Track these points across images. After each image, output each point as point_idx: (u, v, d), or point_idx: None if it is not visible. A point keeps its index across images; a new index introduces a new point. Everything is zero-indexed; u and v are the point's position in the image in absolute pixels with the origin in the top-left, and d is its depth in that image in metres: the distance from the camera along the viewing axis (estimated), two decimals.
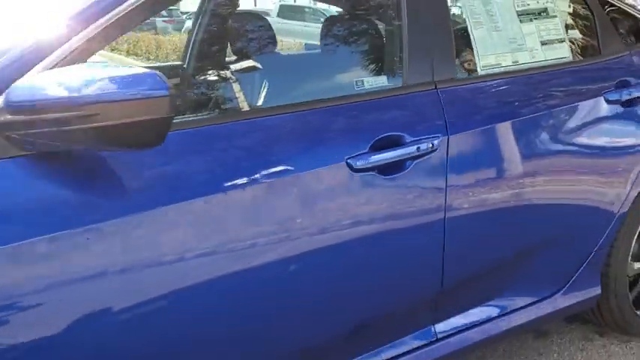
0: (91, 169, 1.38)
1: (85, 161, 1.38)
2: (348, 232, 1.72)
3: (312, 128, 1.70)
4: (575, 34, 2.46)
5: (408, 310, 1.98)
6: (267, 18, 2.86)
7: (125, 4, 1.46)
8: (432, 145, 1.84)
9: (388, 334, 1.96)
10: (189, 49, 2.86)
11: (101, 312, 1.38)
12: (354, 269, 1.77)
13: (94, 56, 1.45)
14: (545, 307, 2.30)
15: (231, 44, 2.56)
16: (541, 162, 2.13)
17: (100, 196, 1.38)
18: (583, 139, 2.26)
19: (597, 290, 2.46)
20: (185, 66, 2.81)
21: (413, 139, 1.81)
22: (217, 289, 1.53)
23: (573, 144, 2.23)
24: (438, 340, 2.05)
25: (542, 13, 2.30)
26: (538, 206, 2.14)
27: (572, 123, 2.22)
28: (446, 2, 2.02)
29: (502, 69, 2.14)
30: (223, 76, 2.10)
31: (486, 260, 2.09)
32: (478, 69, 2.09)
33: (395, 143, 1.79)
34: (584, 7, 2.50)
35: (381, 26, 2.15)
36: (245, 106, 1.90)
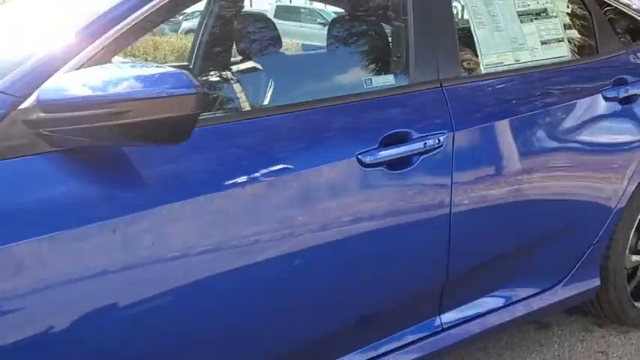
0: (113, 164, 1.44)
1: (106, 156, 1.43)
2: (358, 224, 1.78)
3: (324, 125, 1.77)
4: (574, 33, 2.53)
5: (416, 300, 2.04)
6: None
7: (145, 8, 1.52)
8: (438, 141, 1.90)
9: (397, 324, 2.03)
10: (195, 49, 2.91)
11: (132, 304, 1.45)
12: (365, 261, 1.83)
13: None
14: (547, 298, 2.38)
15: (237, 45, 2.62)
16: (543, 158, 2.20)
17: (123, 189, 1.43)
18: (583, 136, 2.33)
19: (596, 282, 2.53)
20: (191, 66, 2.86)
21: (420, 135, 1.88)
22: (242, 280, 1.59)
23: (573, 140, 2.30)
24: (443, 330, 2.12)
25: (542, 14, 2.37)
26: (540, 201, 2.22)
27: (573, 119, 2.30)
28: (450, 4, 2.09)
29: (504, 68, 2.21)
30: (234, 76, 2.16)
31: (490, 253, 2.16)
32: (481, 68, 2.16)
33: (402, 139, 1.85)
34: (582, 8, 2.57)
35: (387, 27, 2.21)
36: (258, 105, 1.96)
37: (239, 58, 2.54)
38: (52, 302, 1.35)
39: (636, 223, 2.66)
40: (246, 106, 2.00)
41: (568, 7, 2.55)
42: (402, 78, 2.00)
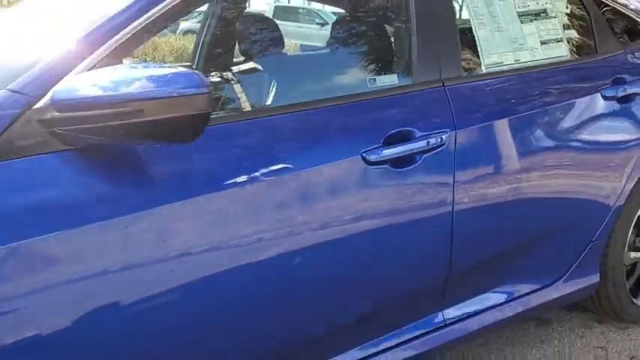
0: (123, 163, 1.47)
1: (116, 155, 1.47)
2: (363, 222, 1.81)
3: (330, 124, 1.80)
4: (573, 33, 2.57)
5: (419, 296, 2.08)
6: None
7: (155, 9, 1.56)
8: (441, 139, 1.94)
9: (401, 320, 2.06)
10: (198, 50, 2.94)
11: (149, 297, 1.49)
12: (370, 257, 1.87)
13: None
14: (548, 295, 2.41)
15: (240, 46, 2.65)
16: (542, 156, 2.24)
17: (135, 187, 1.47)
18: (582, 135, 2.37)
19: (596, 278, 2.57)
20: (194, 67, 2.89)
21: (423, 134, 1.92)
22: (252, 276, 1.63)
23: (573, 139, 2.34)
24: (446, 325, 2.15)
25: (541, 14, 2.41)
26: (540, 198, 2.25)
27: (572, 118, 2.33)
28: (452, 5, 2.13)
29: (505, 67, 2.24)
30: (239, 77, 2.19)
31: (492, 249, 2.19)
32: (482, 67, 2.20)
33: (406, 138, 1.89)
34: (580, 8, 2.61)
35: (390, 28, 2.25)
36: (267, 105, 2.00)
37: (242, 59, 2.57)
38: (72, 297, 1.38)
39: (635, 221, 2.69)
40: (256, 106, 2.03)
41: (567, 7, 2.59)
42: (405, 78, 2.03)
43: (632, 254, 2.73)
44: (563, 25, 2.51)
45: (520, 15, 2.35)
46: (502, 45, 2.26)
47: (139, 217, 1.44)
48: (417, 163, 1.89)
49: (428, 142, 1.91)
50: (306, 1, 12.75)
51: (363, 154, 1.79)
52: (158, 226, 1.48)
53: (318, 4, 10.81)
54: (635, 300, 2.75)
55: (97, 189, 1.43)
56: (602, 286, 2.62)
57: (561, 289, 2.46)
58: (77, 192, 1.41)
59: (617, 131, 2.51)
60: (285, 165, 1.67)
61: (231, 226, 1.59)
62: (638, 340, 2.68)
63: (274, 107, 1.88)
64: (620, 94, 2.49)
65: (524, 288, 2.36)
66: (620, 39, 2.71)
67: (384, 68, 2.11)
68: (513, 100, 2.20)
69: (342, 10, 3.41)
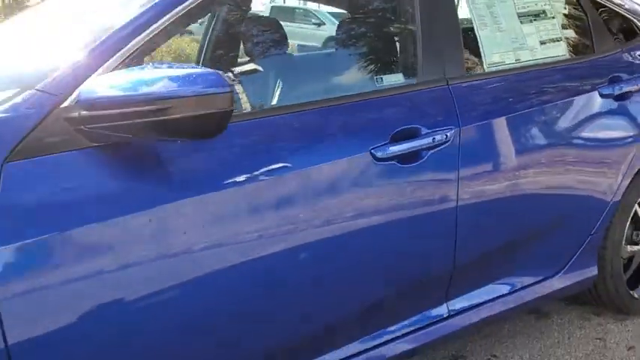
0: (144, 159, 1.54)
1: (138, 152, 1.53)
2: (372, 216, 1.88)
3: (340, 122, 1.87)
4: (571, 33, 2.65)
5: (424, 288, 2.15)
6: None
7: (175, 11, 1.63)
8: (446, 136, 2.01)
9: (407, 311, 2.13)
10: (203, 52, 2.99)
11: (170, 287, 1.55)
12: (378, 250, 1.93)
13: None
14: (548, 286, 2.49)
15: (246, 47, 2.70)
16: (542, 153, 2.32)
17: (156, 183, 1.53)
18: (580, 132, 2.45)
19: (594, 271, 2.65)
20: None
21: (428, 130, 1.99)
22: (268, 267, 1.70)
23: (572, 136, 2.42)
24: (450, 316, 2.22)
25: (540, 15, 2.49)
26: (541, 194, 2.33)
27: (570, 116, 2.41)
28: (455, 7, 2.20)
29: (506, 66, 2.32)
30: (249, 76, 2.25)
31: (494, 243, 2.27)
32: (484, 66, 2.27)
33: (412, 135, 1.96)
34: (578, 9, 2.69)
35: (396, 30, 2.31)
36: (274, 103, 2.06)
37: (247, 59, 2.63)
38: (103, 287, 1.45)
39: (631, 215, 2.77)
40: (273, 105, 2.10)
41: (565, 8, 2.67)
42: (411, 77, 2.10)
43: (629, 248, 2.81)
44: (562, 26, 2.58)
45: (520, 16, 2.42)
46: (503, 45, 2.33)
47: (162, 211, 1.51)
48: (423, 159, 1.96)
49: (433, 138, 1.98)
50: (302, 2, 12.80)
51: (372, 151, 1.86)
52: (180, 220, 1.54)
53: (314, 3, 10.88)
54: (632, 292, 2.83)
55: (119, 184, 1.49)
56: (600, 279, 2.70)
57: (561, 281, 2.54)
58: (100, 187, 1.47)
59: (613, 128, 2.60)
60: (289, 163, 1.73)
61: (260, 216, 1.67)
62: (636, 331, 2.76)
63: (287, 106, 1.94)
64: (617, 92, 2.57)
65: (526, 280, 2.43)
66: (616, 38, 2.79)
67: (390, 68, 2.19)
68: (514, 99, 2.28)
69: (342, 11, 3.48)
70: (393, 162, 1.90)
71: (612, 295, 2.77)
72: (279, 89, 2.18)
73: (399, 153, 1.91)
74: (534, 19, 2.45)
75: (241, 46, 2.71)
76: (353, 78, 2.18)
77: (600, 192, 2.56)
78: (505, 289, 2.37)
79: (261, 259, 1.67)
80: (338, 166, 1.81)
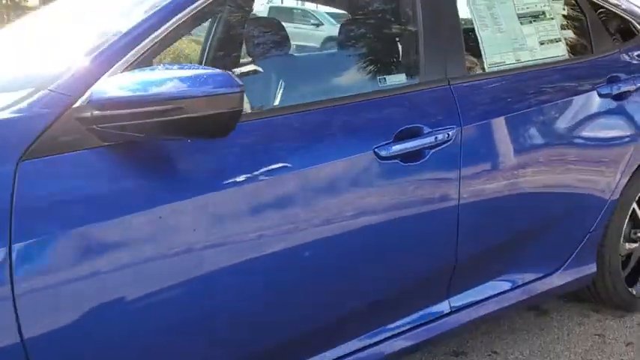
0: (155, 157, 1.57)
1: (147, 151, 1.56)
2: (375, 213, 1.92)
3: (344, 121, 1.91)
4: (570, 34, 2.69)
5: (426, 285, 2.18)
6: None
7: (184, 12, 1.66)
8: (448, 135, 2.04)
9: (409, 308, 2.16)
10: (205, 53, 3.02)
11: (184, 282, 1.59)
12: (381, 247, 1.97)
13: None
14: (548, 283, 2.53)
15: (249, 48, 2.73)
16: (542, 152, 2.35)
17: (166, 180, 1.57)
18: (579, 131, 2.49)
19: (593, 268, 2.69)
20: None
21: (431, 130, 2.02)
22: (276, 264, 1.74)
23: (571, 135, 2.46)
24: (452, 312, 2.26)
25: (540, 16, 2.53)
26: (541, 192, 2.37)
27: (570, 115, 2.45)
28: (456, 8, 2.23)
29: (506, 67, 2.36)
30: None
31: (495, 240, 2.30)
32: (485, 67, 2.31)
33: (415, 134, 1.99)
34: (577, 10, 2.72)
35: (398, 31, 2.35)
36: (279, 104, 2.10)
37: (250, 60, 2.66)
38: (119, 280, 1.48)
39: (630, 213, 2.81)
40: (278, 105, 2.13)
41: (564, 9, 2.71)
42: (413, 77, 2.14)
43: (628, 245, 2.85)
44: (561, 26, 2.62)
45: (520, 17, 2.46)
46: (503, 45, 2.37)
47: (171, 208, 1.54)
48: (425, 158, 2.00)
49: (436, 137, 2.02)
50: (299, 2, 12.83)
51: (375, 150, 1.89)
52: (189, 217, 1.57)
53: (312, 4, 10.91)
54: (630, 289, 2.87)
55: (130, 182, 1.52)
56: (599, 276, 2.74)
57: (561, 278, 2.57)
58: (112, 185, 1.50)
59: (612, 127, 2.64)
60: (294, 163, 1.76)
61: (270, 212, 1.71)
62: (634, 327, 2.80)
63: (292, 106, 1.98)
64: (615, 91, 2.61)
65: (526, 277, 2.47)
66: (614, 39, 2.83)
67: (393, 68, 2.22)
68: (514, 98, 2.32)
69: (340, 12, 3.51)
70: (396, 161, 1.94)
71: (611, 292, 2.81)
72: (284, 90, 2.21)
73: (402, 152, 1.95)
74: (534, 20, 2.49)
75: (244, 47, 2.75)
76: (357, 78, 2.21)
77: (599, 190, 2.60)
78: (506, 285, 2.41)
79: (269, 257, 1.71)
80: (342, 165, 1.85)
